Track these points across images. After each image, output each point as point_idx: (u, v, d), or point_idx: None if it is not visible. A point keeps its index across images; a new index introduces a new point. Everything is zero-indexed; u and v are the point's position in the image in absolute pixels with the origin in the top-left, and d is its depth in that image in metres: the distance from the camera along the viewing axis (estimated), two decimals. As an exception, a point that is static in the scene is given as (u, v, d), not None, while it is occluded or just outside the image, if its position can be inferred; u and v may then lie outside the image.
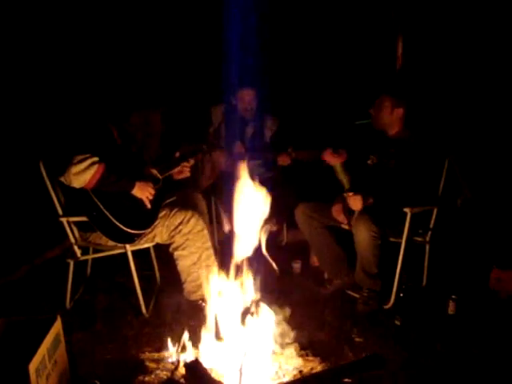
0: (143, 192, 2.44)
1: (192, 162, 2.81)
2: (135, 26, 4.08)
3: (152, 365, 2.01)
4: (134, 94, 2.66)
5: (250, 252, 1.97)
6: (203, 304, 2.34)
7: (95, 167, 2.29)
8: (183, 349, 2.00)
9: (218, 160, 3.37)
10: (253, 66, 3.59)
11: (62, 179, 2.33)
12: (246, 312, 1.92)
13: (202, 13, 4.14)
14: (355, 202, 2.56)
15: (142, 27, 4.10)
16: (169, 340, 2.10)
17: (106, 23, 3.99)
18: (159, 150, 2.74)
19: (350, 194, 2.57)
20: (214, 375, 1.84)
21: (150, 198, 2.46)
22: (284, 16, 4.05)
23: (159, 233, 2.52)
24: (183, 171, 2.76)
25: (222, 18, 3.59)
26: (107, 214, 2.31)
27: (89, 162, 2.28)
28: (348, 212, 2.65)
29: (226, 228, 3.35)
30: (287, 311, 2.24)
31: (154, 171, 2.61)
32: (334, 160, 2.69)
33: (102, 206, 2.32)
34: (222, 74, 3.42)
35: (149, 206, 2.45)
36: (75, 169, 2.26)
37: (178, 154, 2.80)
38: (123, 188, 2.40)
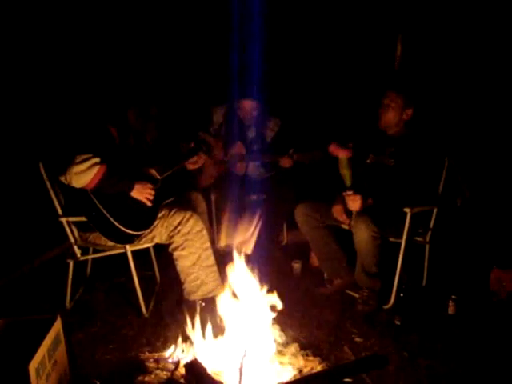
0: (142, 194, 2.44)
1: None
2: (136, 28, 4.08)
3: (152, 365, 2.00)
4: (133, 95, 2.65)
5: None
6: (203, 304, 2.34)
7: (97, 168, 2.29)
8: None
9: (216, 153, 3.37)
10: (253, 66, 3.59)
11: (63, 178, 2.32)
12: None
13: (202, 13, 4.15)
14: (354, 203, 2.54)
15: (143, 28, 4.10)
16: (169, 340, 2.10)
17: (108, 24, 3.99)
18: (155, 133, 2.71)
19: (350, 192, 2.55)
20: (214, 375, 1.83)
21: (151, 198, 2.46)
22: (284, 17, 4.05)
23: (158, 233, 2.51)
24: (198, 161, 2.77)
25: (223, 18, 3.59)
26: (106, 214, 2.31)
27: (91, 162, 2.29)
28: (348, 212, 2.65)
29: (222, 243, 3.24)
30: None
31: (153, 171, 2.60)
32: (341, 153, 2.57)
33: (101, 207, 2.32)
34: (222, 74, 3.42)
35: (149, 204, 2.45)
36: (77, 168, 2.26)
37: (193, 144, 2.80)
38: (122, 189, 2.40)
